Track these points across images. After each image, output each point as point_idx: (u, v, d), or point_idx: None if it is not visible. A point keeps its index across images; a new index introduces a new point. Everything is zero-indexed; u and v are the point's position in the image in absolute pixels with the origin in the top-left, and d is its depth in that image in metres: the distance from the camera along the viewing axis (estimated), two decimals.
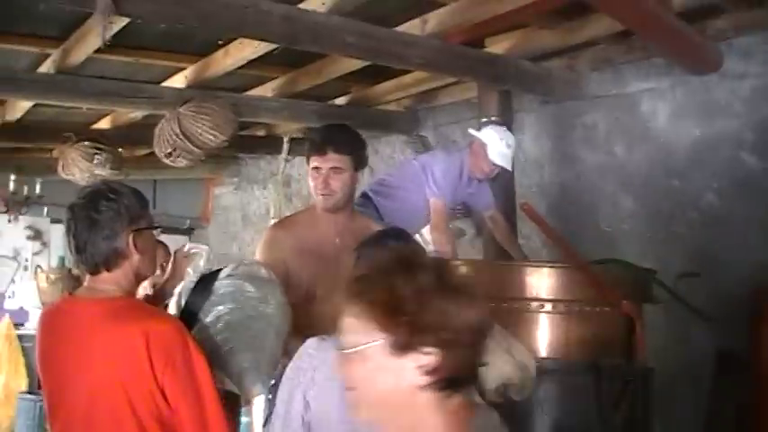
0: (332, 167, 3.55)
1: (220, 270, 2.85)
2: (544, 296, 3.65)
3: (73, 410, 2.52)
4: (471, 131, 4.97)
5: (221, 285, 2.79)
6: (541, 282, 3.67)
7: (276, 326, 2.85)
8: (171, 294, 2.96)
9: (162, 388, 2.41)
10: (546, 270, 3.72)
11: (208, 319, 2.73)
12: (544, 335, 3.67)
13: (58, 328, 2.62)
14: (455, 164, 4.91)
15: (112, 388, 2.43)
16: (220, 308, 2.74)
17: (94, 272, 2.58)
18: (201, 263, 3.01)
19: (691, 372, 4.86)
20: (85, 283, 2.64)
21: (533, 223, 4.21)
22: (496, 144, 4.76)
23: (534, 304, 3.63)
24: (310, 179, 3.60)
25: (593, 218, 5.54)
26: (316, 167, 3.57)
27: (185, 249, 3.08)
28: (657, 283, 3.99)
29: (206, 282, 2.82)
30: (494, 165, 4.80)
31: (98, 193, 2.57)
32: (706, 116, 5.02)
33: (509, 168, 4.85)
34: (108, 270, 2.57)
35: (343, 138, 3.65)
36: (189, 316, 2.73)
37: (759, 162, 4.76)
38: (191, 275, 2.91)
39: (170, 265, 3.03)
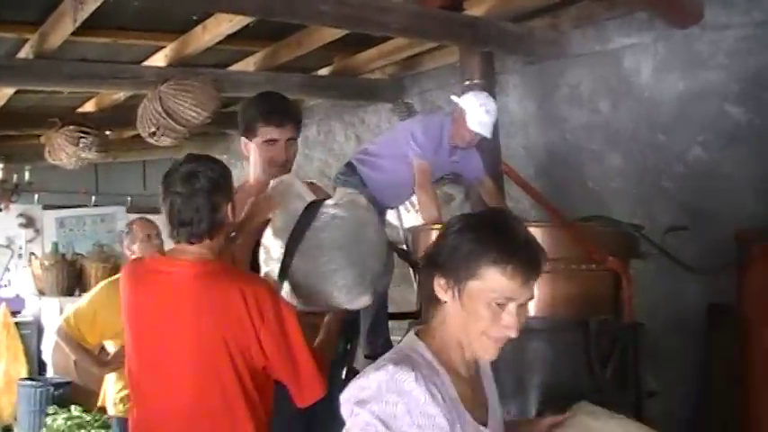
0: (289, 138, 3.38)
1: (326, 199, 3.14)
2: None
3: (179, 363, 2.73)
4: (453, 98, 4.89)
5: (327, 211, 3.05)
6: None
7: (377, 248, 3.09)
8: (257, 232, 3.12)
9: (259, 341, 2.67)
10: (531, 230, 3.68)
11: (314, 242, 2.99)
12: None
13: (155, 285, 2.80)
14: (435, 125, 4.81)
15: (215, 342, 2.68)
16: (325, 233, 3.00)
17: (198, 241, 2.76)
18: (298, 185, 3.16)
19: (683, 326, 4.87)
20: (175, 247, 2.82)
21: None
22: (476, 111, 4.59)
23: None
24: (259, 152, 3.35)
25: (581, 177, 5.52)
26: (271, 140, 3.34)
27: (272, 184, 3.18)
28: (644, 238, 3.98)
29: (313, 208, 3.05)
30: (474, 133, 4.64)
31: (197, 168, 2.74)
32: (690, 69, 4.99)
33: (488, 136, 4.69)
34: (210, 239, 2.76)
35: (292, 106, 3.58)
36: (297, 238, 2.98)
37: (744, 113, 4.73)
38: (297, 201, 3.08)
39: (248, 206, 3.12)
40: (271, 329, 2.68)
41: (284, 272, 2.98)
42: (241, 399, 2.72)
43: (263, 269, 3.05)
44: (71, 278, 9.05)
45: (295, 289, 3.00)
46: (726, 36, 4.81)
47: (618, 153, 5.36)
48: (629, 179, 5.27)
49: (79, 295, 7.87)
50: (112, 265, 9.09)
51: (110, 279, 5.20)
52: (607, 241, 3.75)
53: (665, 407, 4.75)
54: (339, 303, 3.01)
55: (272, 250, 3.05)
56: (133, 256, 5.07)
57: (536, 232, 3.58)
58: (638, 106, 5.26)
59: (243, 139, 3.39)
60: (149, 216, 5.34)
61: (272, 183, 3.18)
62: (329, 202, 3.10)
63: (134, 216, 10.00)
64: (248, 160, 3.41)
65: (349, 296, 3.00)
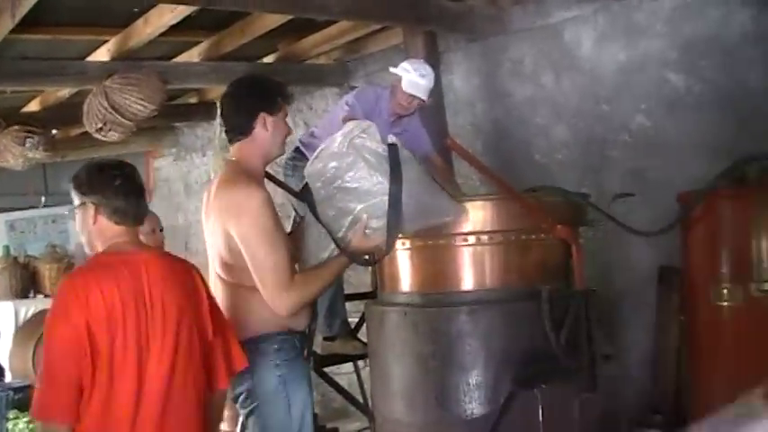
0: None
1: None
2: (480, 228, 3.67)
3: (155, 338, 2.84)
4: (391, 69, 4.91)
5: None
6: (477, 215, 3.68)
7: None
8: None
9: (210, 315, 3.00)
10: (479, 203, 3.74)
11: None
12: (484, 267, 3.71)
13: (125, 270, 2.85)
14: (368, 92, 4.82)
15: (188, 319, 2.90)
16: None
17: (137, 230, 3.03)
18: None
19: (635, 289, 4.98)
20: (122, 239, 2.94)
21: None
22: (409, 74, 4.63)
23: (471, 238, 3.66)
24: (280, 128, 3.39)
25: (528, 150, 5.59)
26: (285, 116, 3.46)
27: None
28: (591, 205, 4.04)
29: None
30: (408, 95, 4.64)
31: (127, 169, 3.06)
32: (630, 39, 5.07)
33: (423, 98, 4.69)
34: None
35: None
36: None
37: (684, 80, 4.83)
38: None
39: None
40: (214, 304, 3.03)
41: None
42: (202, 373, 2.95)
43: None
44: (24, 280, 8.92)
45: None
46: (663, 5, 4.90)
47: (563, 125, 5.43)
48: (576, 150, 5.35)
49: (34, 297, 7.79)
50: (66, 265, 9.00)
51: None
52: (555, 211, 3.79)
53: (621, 369, 4.87)
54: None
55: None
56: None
57: (485, 205, 3.72)
58: (580, 78, 5.34)
59: (262, 114, 3.32)
60: None
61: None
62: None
63: None
64: (260, 140, 3.36)
65: None
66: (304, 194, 3.25)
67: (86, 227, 2.94)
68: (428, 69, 4.71)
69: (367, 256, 3.47)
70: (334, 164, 3.25)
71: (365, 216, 3.23)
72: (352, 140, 3.22)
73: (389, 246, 3.33)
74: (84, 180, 2.92)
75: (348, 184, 3.24)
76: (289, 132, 3.48)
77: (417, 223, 3.45)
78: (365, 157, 3.22)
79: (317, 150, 3.29)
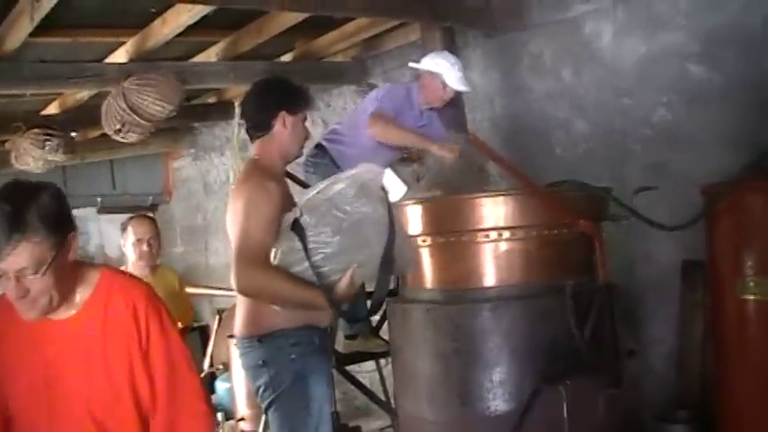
0: None
1: None
2: (502, 224, 3.66)
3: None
4: (413, 65, 4.99)
5: None
6: (498, 211, 3.68)
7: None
8: None
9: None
10: (501, 198, 3.73)
11: None
12: (506, 262, 3.69)
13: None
14: (400, 90, 4.96)
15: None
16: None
17: None
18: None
19: (659, 284, 4.93)
20: None
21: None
22: (451, 71, 4.83)
23: (493, 234, 3.64)
24: (299, 129, 3.55)
25: (548, 145, 5.55)
26: (305, 119, 3.60)
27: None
28: (613, 199, 4.01)
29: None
30: (453, 90, 4.87)
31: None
32: (650, 32, 5.01)
33: (469, 90, 4.96)
34: None
35: None
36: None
37: (706, 72, 4.77)
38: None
39: None
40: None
41: None
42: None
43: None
44: None
45: None
46: None
47: (583, 119, 5.39)
48: (597, 144, 5.31)
49: None
50: None
51: None
52: (577, 205, 3.77)
53: (644, 365, 4.84)
54: None
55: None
56: (131, 257, 5.07)
57: (507, 201, 3.69)
58: (601, 71, 5.29)
59: (283, 112, 3.47)
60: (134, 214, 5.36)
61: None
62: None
63: (106, 217, 10.07)
64: (279, 138, 3.49)
65: None
66: (295, 228, 3.10)
67: None
68: (456, 58, 4.94)
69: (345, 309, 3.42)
70: (341, 204, 3.09)
71: (356, 265, 3.13)
72: (362, 185, 3.12)
73: (377, 300, 3.29)
74: None
75: (352, 229, 3.11)
76: (308, 136, 3.57)
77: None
78: (373, 205, 3.15)
79: (320, 185, 3.16)
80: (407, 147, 4.96)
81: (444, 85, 4.85)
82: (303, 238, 3.07)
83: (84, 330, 2.40)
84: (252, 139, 3.57)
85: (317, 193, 3.11)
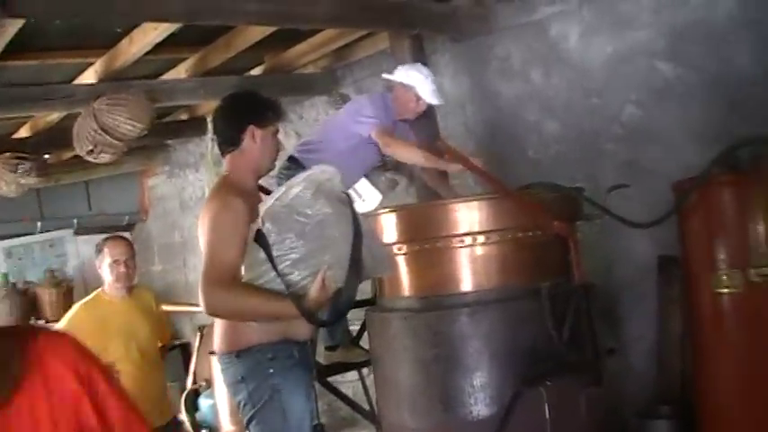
0: None
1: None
2: (477, 229, 3.67)
3: None
4: (387, 76, 4.99)
5: None
6: (472, 216, 3.70)
7: None
8: None
9: None
10: (475, 203, 3.75)
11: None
12: (482, 267, 3.71)
13: None
14: (377, 99, 4.97)
15: None
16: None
17: None
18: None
19: (636, 281, 4.95)
20: None
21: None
22: (424, 84, 4.84)
23: (468, 239, 3.66)
24: (269, 143, 3.52)
25: (521, 147, 5.57)
26: (276, 132, 3.58)
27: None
28: (586, 199, 4.04)
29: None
30: (425, 103, 4.88)
31: None
32: (616, 31, 5.04)
33: (443, 103, 4.98)
34: None
35: None
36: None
37: (673, 69, 4.80)
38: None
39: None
40: None
41: None
42: None
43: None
44: (25, 307, 8.96)
45: None
46: None
47: (554, 120, 5.41)
48: (568, 144, 5.33)
49: (35, 323, 7.76)
50: (66, 289, 9.02)
51: (84, 300, 5.17)
52: (550, 206, 3.79)
53: (625, 362, 4.86)
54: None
55: None
56: (107, 279, 5.04)
57: (480, 205, 3.71)
58: (569, 72, 5.31)
59: (251, 126, 3.45)
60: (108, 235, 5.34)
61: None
62: None
63: (83, 238, 10.02)
64: (249, 152, 3.46)
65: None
66: (259, 239, 3.09)
67: None
68: (429, 71, 4.95)
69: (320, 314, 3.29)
70: (301, 208, 3.09)
71: (326, 267, 3.11)
72: (319, 186, 3.12)
73: (346, 301, 3.21)
74: None
75: (315, 231, 3.10)
76: (280, 149, 3.57)
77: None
78: (333, 205, 3.15)
79: (277, 193, 3.16)
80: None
81: (418, 98, 4.86)
82: (267, 248, 3.06)
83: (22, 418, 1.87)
84: (223, 154, 3.55)
85: (276, 200, 3.10)
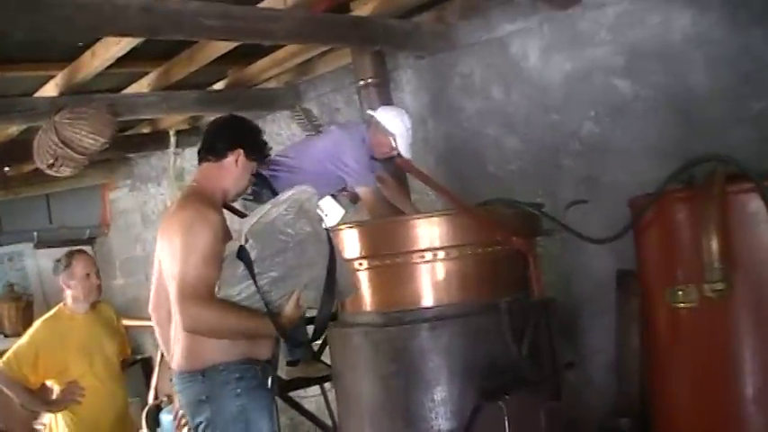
0: None
1: None
2: (437, 245, 3.70)
3: None
4: (370, 113, 5.01)
5: None
6: (432, 231, 3.73)
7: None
8: None
9: None
10: (435, 219, 3.78)
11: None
12: (442, 282, 3.74)
13: None
14: (356, 134, 4.98)
15: None
16: None
17: None
18: None
19: (596, 295, 5.00)
20: None
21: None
22: (404, 137, 4.86)
23: (428, 254, 3.69)
24: (242, 176, 3.54)
25: (481, 163, 5.61)
26: (253, 172, 3.63)
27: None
28: (544, 215, 4.08)
29: None
30: (399, 153, 4.87)
31: None
32: (575, 48, 5.11)
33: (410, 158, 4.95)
34: None
35: None
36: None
37: (631, 86, 4.88)
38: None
39: None
40: None
41: None
42: None
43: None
44: None
45: None
46: (606, 12, 4.94)
47: (514, 136, 5.47)
48: (528, 160, 5.38)
49: None
50: (25, 303, 8.92)
51: (47, 316, 5.15)
52: (509, 223, 3.84)
53: (584, 376, 4.91)
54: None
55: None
56: (69, 292, 5.01)
57: (439, 221, 3.74)
58: (529, 89, 5.38)
59: (240, 150, 3.48)
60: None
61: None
62: None
63: (44, 251, 9.91)
64: (226, 171, 3.49)
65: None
66: (241, 255, 3.10)
67: None
68: (411, 122, 4.99)
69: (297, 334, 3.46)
70: (283, 227, 3.13)
71: (302, 286, 3.17)
72: (301, 206, 3.17)
73: (321, 322, 3.29)
74: None
75: (295, 250, 3.14)
76: (248, 187, 3.65)
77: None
78: (312, 224, 3.19)
79: (260, 210, 3.18)
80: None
81: (392, 147, 4.86)
82: (250, 265, 3.07)
83: None
84: (200, 161, 3.54)
85: (260, 217, 3.12)
